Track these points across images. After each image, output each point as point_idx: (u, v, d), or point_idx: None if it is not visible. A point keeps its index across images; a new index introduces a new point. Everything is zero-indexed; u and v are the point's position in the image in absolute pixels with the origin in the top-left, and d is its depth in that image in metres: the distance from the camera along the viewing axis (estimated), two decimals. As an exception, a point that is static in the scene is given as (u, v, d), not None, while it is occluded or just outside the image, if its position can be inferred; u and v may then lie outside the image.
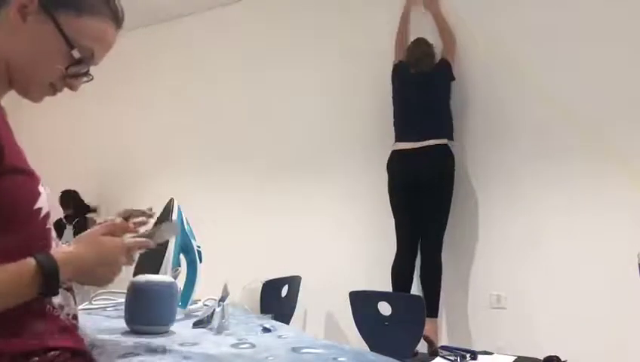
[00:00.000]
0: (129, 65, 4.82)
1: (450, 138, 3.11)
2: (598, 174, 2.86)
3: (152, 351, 0.98)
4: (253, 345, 1.07)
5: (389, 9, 3.53)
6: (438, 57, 3.25)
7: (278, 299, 3.22)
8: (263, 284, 3.12)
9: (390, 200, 3.19)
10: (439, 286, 3.06)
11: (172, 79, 4.54)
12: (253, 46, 4.14)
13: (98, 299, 1.50)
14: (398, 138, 3.18)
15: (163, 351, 0.98)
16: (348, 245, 3.57)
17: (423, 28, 3.38)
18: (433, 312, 2.99)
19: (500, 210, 3.12)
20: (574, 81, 2.97)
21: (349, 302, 2.78)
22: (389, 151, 3.21)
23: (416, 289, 3.17)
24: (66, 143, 5.18)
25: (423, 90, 3.13)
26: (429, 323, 2.85)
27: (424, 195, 3.06)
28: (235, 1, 4.22)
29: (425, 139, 3.05)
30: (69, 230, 4.42)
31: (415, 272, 3.15)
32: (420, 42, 3.25)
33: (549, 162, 2.99)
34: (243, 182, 4.07)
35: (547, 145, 3.01)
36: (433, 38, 3.31)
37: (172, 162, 4.46)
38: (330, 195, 3.68)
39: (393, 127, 3.23)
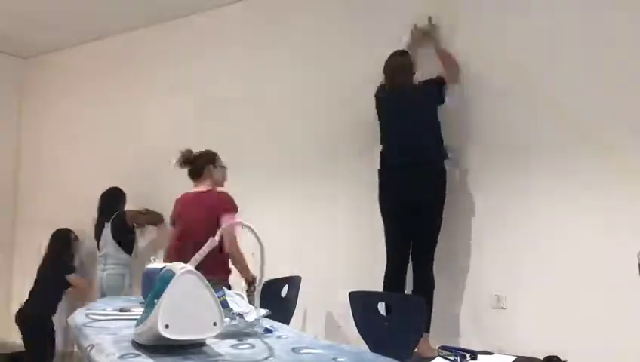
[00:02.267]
0: (129, 66, 4.83)
1: (439, 155, 3.06)
2: (598, 174, 2.86)
3: (152, 351, 0.98)
4: (252, 346, 1.07)
5: (389, 9, 3.53)
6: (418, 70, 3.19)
7: (278, 299, 3.22)
8: (264, 284, 3.11)
9: (380, 208, 3.16)
10: (432, 302, 2.98)
11: (172, 79, 4.54)
12: (254, 46, 4.14)
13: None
14: (383, 158, 3.15)
15: (163, 351, 0.98)
16: (348, 245, 3.57)
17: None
18: (425, 328, 2.88)
19: (501, 211, 3.11)
20: (573, 82, 2.97)
21: (349, 302, 2.78)
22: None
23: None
24: (68, 144, 5.18)
25: (403, 106, 3.08)
26: (421, 342, 2.74)
27: (414, 213, 3.03)
28: (235, 0, 4.22)
29: (411, 158, 3.01)
30: (107, 227, 4.36)
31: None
32: (393, 56, 3.17)
33: (549, 162, 2.99)
34: (242, 181, 4.07)
35: (547, 144, 3.01)
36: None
37: (168, 161, 4.45)
38: (330, 195, 3.68)
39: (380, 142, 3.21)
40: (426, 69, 3.24)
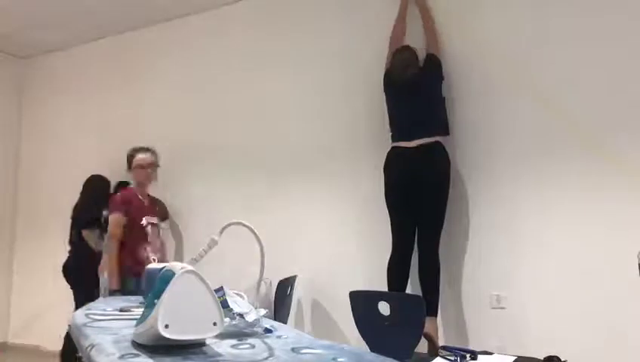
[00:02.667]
0: (129, 66, 4.83)
1: (445, 133, 3.15)
2: (598, 174, 2.86)
3: (152, 351, 0.98)
4: (252, 346, 1.07)
5: (388, 9, 3.53)
6: (422, 55, 3.26)
7: (285, 299, 3.24)
8: (278, 284, 3.15)
9: (386, 200, 3.18)
10: (438, 284, 3.06)
11: (172, 79, 4.54)
12: (253, 46, 4.14)
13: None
14: (394, 139, 3.20)
15: (163, 351, 0.98)
16: (348, 245, 3.57)
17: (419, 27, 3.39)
18: (433, 311, 2.99)
19: (500, 211, 3.12)
20: (571, 80, 2.97)
21: (349, 302, 2.78)
22: (386, 152, 3.20)
23: (410, 288, 3.17)
24: (68, 144, 5.18)
25: (413, 94, 3.16)
26: (429, 322, 2.86)
27: (422, 193, 3.06)
28: (235, 1, 4.22)
29: (419, 138, 3.07)
30: None
31: (411, 271, 3.15)
32: (402, 50, 3.25)
33: (550, 162, 2.99)
34: (242, 181, 4.07)
35: (547, 144, 3.01)
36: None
37: (170, 162, 4.46)
38: (329, 195, 3.68)
39: (389, 129, 3.24)
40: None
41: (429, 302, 2.94)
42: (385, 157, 3.20)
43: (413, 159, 3.08)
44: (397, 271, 3.11)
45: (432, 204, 3.09)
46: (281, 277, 3.37)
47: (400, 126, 3.20)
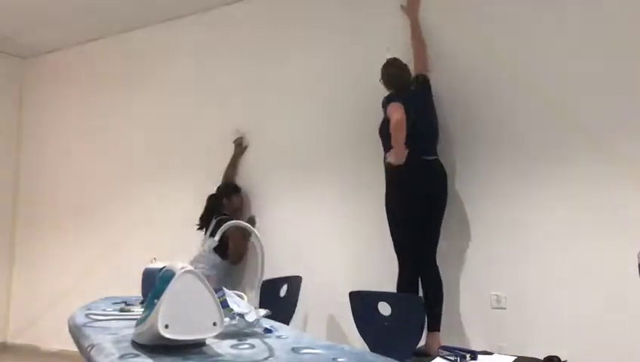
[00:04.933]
0: (129, 66, 4.83)
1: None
2: (599, 173, 2.86)
3: (152, 351, 0.98)
4: (252, 346, 1.07)
5: (389, 10, 3.53)
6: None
7: (276, 299, 3.21)
8: (262, 284, 3.12)
9: (399, 213, 3.02)
10: (442, 298, 2.99)
11: (172, 79, 4.53)
12: (254, 46, 4.14)
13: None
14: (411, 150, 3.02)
15: (163, 351, 0.98)
16: (348, 245, 3.56)
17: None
18: (439, 325, 2.91)
19: (501, 211, 3.11)
20: (574, 81, 2.97)
21: (349, 302, 2.78)
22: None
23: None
24: (68, 144, 5.18)
25: (417, 106, 3.09)
26: (434, 338, 2.82)
27: (437, 207, 3.04)
28: (235, 0, 4.22)
29: (434, 154, 3.07)
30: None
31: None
32: (390, 64, 3.20)
33: (550, 163, 2.99)
34: (242, 181, 4.07)
35: (547, 145, 3.01)
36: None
37: (169, 161, 4.46)
38: (330, 195, 3.68)
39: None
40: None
41: (438, 316, 2.89)
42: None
43: (433, 173, 3.05)
44: (413, 289, 2.98)
45: (441, 218, 3.05)
46: (282, 277, 3.37)
47: (411, 142, 2.99)
